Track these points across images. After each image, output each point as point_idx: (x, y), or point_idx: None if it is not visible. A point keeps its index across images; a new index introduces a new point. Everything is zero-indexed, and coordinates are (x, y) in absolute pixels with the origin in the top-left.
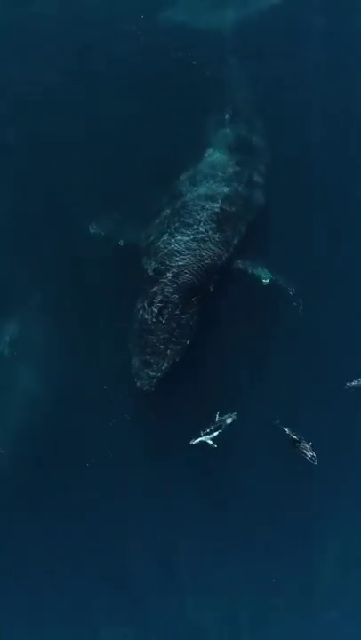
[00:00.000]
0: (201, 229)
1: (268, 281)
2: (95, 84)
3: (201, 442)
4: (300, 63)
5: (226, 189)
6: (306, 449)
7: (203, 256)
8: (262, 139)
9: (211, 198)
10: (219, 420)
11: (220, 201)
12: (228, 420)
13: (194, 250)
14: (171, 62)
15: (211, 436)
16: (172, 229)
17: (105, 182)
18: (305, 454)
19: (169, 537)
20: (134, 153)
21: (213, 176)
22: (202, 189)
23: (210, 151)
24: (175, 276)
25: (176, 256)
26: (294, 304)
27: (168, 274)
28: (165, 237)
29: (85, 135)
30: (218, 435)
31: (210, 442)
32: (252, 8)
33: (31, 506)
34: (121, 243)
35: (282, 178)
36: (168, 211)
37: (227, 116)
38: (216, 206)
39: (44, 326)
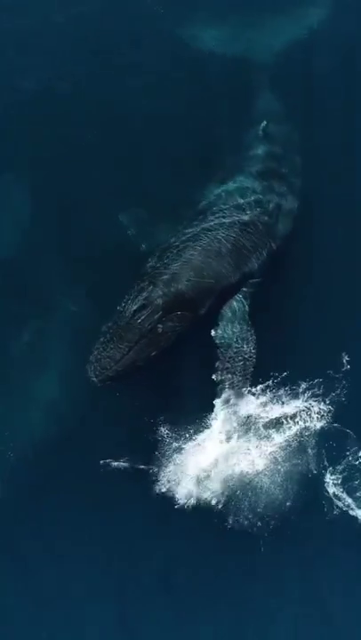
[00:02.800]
0: (213, 247)
1: (219, 337)
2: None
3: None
4: (337, 93)
5: (250, 212)
6: None
7: (205, 273)
8: (296, 162)
9: (232, 217)
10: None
11: (241, 222)
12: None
13: (198, 263)
14: (204, 79)
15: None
16: (186, 240)
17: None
18: None
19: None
20: (159, 164)
21: (241, 195)
22: (226, 208)
23: (240, 170)
24: (168, 281)
25: (178, 262)
26: None
27: (163, 276)
28: (176, 244)
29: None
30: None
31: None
32: (282, 36)
33: (38, 510)
34: (143, 247)
35: (314, 208)
36: (188, 224)
37: (260, 133)
38: (236, 227)
39: (59, 327)
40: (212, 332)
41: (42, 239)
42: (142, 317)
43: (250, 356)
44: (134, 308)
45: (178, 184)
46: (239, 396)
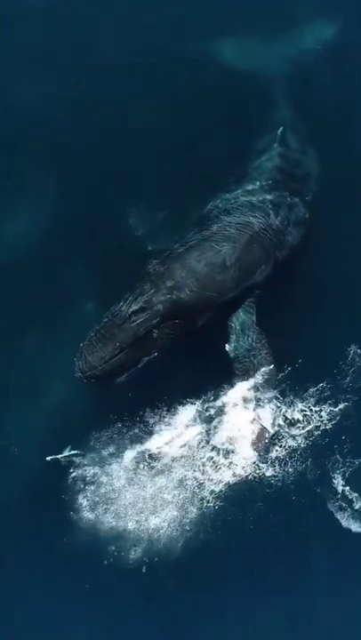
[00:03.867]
0: (219, 257)
1: (233, 351)
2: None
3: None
4: (350, 105)
5: (259, 220)
6: None
7: (208, 286)
8: (309, 172)
9: (240, 224)
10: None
11: (250, 230)
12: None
13: (203, 274)
14: (223, 88)
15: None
16: (192, 245)
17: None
18: None
19: None
20: (171, 167)
21: (250, 202)
22: (234, 214)
23: (251, 176)
24: (171, 287)
25: (182, 269)
26: None
27: (166, 281)
28: (181, 248)
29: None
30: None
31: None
32: (300, 45)
33: (38, 510)
34: (149, 248)
35: (326, 219)
36: (195, 227)
37: (277, 138)
38: (244, 236)
39: (63, 327)
40: (226, 347)
41: (44, 241)
42: (140, 320)
43: (268, 363)
44: (133, 309)
45: (188, 187)
46: (262, 405)
